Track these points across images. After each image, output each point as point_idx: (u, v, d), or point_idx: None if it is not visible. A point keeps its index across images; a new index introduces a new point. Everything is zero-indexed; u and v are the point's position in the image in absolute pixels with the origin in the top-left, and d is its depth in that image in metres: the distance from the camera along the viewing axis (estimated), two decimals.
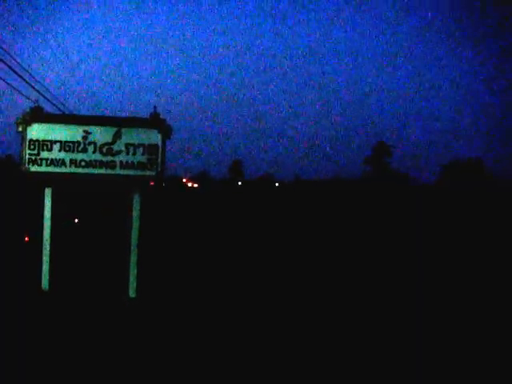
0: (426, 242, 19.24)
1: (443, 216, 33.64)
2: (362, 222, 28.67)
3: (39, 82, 16.43)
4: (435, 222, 29.03)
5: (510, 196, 46.07)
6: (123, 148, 8.32)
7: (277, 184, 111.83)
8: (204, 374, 5.80)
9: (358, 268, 13.01)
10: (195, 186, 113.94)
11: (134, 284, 8.61)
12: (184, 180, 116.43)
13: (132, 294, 8.61)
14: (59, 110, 20.73)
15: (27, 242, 11.45)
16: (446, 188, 68.15)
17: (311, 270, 12.62)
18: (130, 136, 8.33)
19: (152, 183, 8.74)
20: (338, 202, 50.63)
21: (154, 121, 8.40)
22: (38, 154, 8.22)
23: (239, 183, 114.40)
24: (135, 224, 8.65)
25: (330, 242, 18.68)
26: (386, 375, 5.97)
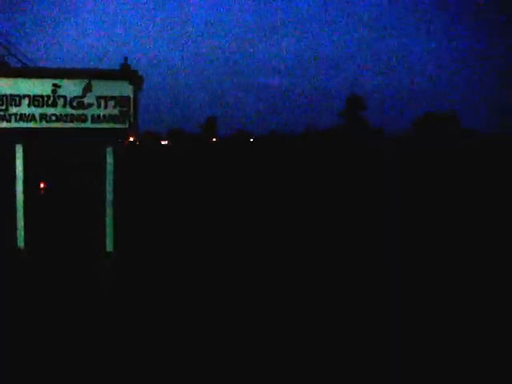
0: (398, 198, 19.58)
1: (414, 167, 34.09)
2: (331, 175, 28.93)
3: (3, 35, 15.82)
4: (405, 175, 29.43)
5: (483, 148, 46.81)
6: (94, 101, 8.13)
7: (251, 140, 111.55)
8: (184, 329, 5.92)
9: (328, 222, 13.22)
10: (168, 143, 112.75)
11: (112, 238, 8.60)
12: (156, 136, 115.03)
13: (110, 248, 8.62)
14: (26, 65, 20.10)
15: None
16: (416, 140, 68.88)
17: (281, 225, 12.79)
18: (101, 88, 8.13)
19: (126, 142, 8.59)
20: (309, 155, 50.84)
21: (125, 72, 8.19)
22: (7, 109, 7.98)
23: (213, 139, 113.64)
24: (109, 178, 8.55)
25: (300, 195, 18.87)
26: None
